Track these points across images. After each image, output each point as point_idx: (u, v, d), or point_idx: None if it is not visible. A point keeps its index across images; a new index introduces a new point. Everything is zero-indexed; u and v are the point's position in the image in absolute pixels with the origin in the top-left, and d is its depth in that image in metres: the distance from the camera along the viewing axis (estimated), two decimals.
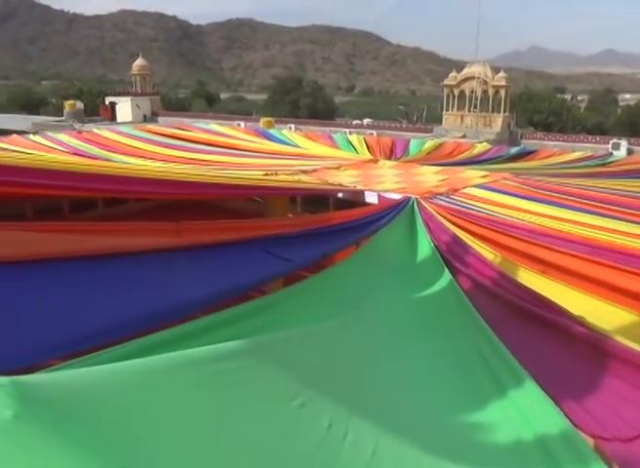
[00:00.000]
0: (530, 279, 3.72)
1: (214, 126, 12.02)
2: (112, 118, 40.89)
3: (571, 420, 2.37)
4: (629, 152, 24.56)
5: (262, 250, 3.60)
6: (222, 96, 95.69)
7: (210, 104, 69.75)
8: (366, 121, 42.93)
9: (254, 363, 2.05)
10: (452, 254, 4.09)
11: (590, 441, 2.37)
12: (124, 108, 41.53)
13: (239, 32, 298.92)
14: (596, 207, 5.10)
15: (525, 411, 2.47)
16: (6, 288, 2.55)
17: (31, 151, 7.44)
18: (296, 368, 2.19)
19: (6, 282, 2.57)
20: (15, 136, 10.00)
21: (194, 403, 1.73)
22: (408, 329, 3.16)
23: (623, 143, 25.87)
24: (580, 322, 3.10)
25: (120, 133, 9.69)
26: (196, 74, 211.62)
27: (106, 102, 43.06)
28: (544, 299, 3.36)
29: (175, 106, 56.35)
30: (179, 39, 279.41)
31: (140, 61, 45.30)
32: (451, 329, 3.23)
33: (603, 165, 8.41)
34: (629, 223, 4.58)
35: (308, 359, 2.30)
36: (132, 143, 8.75)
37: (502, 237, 4.30)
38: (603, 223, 4.55)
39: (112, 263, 2.95)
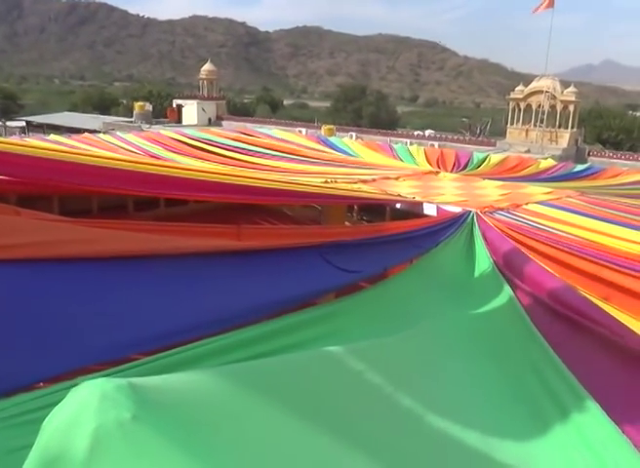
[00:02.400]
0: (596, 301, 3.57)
1: (276, 131, 12.15)
2: (178, 120, 42.06)
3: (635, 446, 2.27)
4: None
5: (322, 258, 3.60)
6: (286, 102, 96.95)
7: (273, 110, 70.79)
8: (428, 132, 42.55)
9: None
10: (512, 270, 3.98)
11: None
12: (190, 111, 42.64)
13: (305, 39, 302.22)
14: None
15: (588, 435, 2.37)
16: (93, 284, 2.68)
17: (101, 151, 7.71)
18: (357, 382, 2.21)
19: (92, 278, 2.70)
20: (86, 134, 10.42)
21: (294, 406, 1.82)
22: (465, 345, 3.10)
23: None
24: None
25: (184, 134, 9.92)
26: (261, 80, 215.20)
27: (174, 105, 44.31)
28: (611, 319, 3.22)
29: (239, 111, 57.42)
30: (246, 45, 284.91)
31: (208, 66, 46.46)
32: (508, 346, 3.15)
33: None
34: None
35: (370, 372, 2.31)
36: (195, 145, 8.95)
37: (566, 255, 4.15)
38: None
39: (182, 263, 3.04)
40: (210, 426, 1.46)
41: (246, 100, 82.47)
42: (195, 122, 40.52)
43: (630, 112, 66.74)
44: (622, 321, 3.25)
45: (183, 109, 43.25)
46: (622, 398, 2.73)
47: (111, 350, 2.45)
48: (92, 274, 2.70)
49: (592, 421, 2.45)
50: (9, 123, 47.28)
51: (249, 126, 28.15)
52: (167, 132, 10.74)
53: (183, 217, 5.87)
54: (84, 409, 1.27)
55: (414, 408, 2.24)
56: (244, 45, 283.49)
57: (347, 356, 2.30)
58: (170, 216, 6.59)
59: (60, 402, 1.29)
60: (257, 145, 9.42)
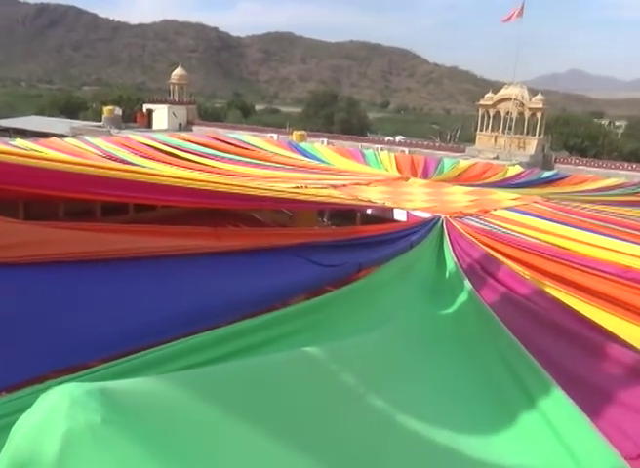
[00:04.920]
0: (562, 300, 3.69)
1: (246, 137, 12.12)
2: (148, 125, 41.65)
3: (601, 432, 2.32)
4: None
5: (301, 256, 3.62)
6: (257, 107, 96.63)
7: (245, 116, 70.56)
8: (398, 138, 42.91)
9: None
10: (480, 272, 4.06)
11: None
12: (160, 116, 42.27)
13: (277, 45, 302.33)
14: (629, 234, 5.00)
15: (555, 422, 2.42)
16: (61, 286, 2.65)
17: (68, 155, 7.59)
18: (332, 384, 2.22)
19: (60, 279, 2.67)
20: (53, 138, 10.24)
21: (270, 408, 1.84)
22: (436, 341, 3.20)
23: None
24: (614, 339, 3.07)
25: (154, 139, 9.82)
26: (233, 85, 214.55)
27: (144, 109, 43.88)
28: (576, 314, 3.32)
29: (210, 116, 57.15)
30: (217, 50, 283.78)
31: (178, 71, 46.17)
32: (477, 340, 3.25)
33: (634, 193, 8.18)
34: None
35: (345, 373, 2.32)
36: (165, 150, 8.87)
37: (533, 257, 4.25)
38: (637, 251, 4.45)
39: (166, 263, 3.05)
40: (180, 431, 1.46)
41: (217, 105, 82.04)
42: (165, 127, 40.17)
43: (595, 120, 68.26)
44: (588, 313, 3.40)
45: (154, 114, 42.84)
46: (590, 387, 2.84)
47: (82, 352, 2.39)
48: (60, 276, 2.66)
49: (557, 406, 2.50)
50: None
51: (220, 131, 27.96)
52: (136, 136, 10.62)
53: (152, 223, 5.83)
54: (54, 413, 1.27)
55: (385, 408, 2.26)
56: (215, 50, 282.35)
57: (323, 356, 2.32)
58: (138, 222, 6.52)
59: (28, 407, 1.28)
60: (227, 151, 9.39)
